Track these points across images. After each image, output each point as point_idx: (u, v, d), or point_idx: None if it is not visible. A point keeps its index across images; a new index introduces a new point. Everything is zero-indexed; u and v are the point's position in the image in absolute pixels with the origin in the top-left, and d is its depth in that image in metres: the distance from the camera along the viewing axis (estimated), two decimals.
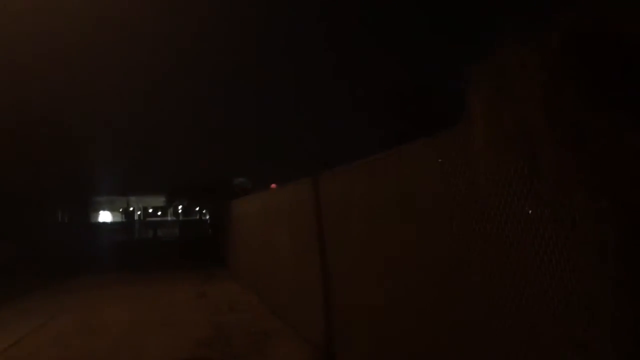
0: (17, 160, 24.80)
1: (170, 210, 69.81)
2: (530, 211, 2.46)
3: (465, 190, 3.11)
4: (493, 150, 2.69)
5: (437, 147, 3.46)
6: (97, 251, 32.14)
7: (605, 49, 1.98)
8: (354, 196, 5.26)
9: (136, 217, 69.90)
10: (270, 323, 8.49)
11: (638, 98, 1.90)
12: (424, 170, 3.66)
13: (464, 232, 3.13)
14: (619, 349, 1.97)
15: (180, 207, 63.83)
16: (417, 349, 3.82)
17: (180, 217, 64.81)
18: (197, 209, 59.16)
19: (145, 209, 74.82)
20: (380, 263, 4.56)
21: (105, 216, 67.53)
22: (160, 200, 63.65)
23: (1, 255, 24.48)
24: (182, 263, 20.82)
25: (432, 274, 3.56)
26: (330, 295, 6.15)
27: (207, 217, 45.60)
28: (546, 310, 2.37)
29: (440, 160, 3.42)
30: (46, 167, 28.62)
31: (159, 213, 73.67)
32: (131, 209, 71.29)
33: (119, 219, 68.71)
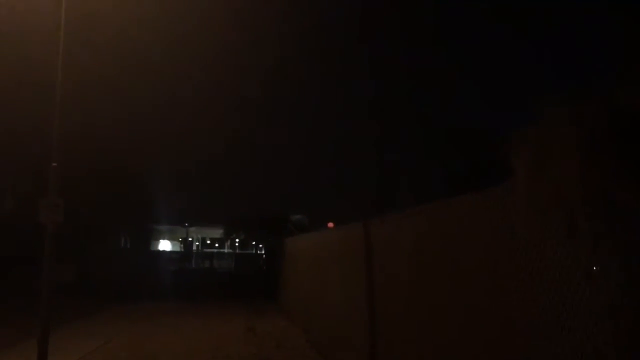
0: (85, 191, 26.16)
1: (227, 243, 71.09)
2: (564, 272, 2.54)
3: (507, 248, 3.19)
4: (533, 213, 2.78)
5: (482, 204, 3.56)
6: (154, 278, 33.04)
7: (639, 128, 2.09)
8: (402, 243, 5.37)
9: (194, 248, 71.59)
10: None
11: None
12: (469, 223, 3.76)
13: (503, 288, 3.20)
14: None
15: (237, 240, 64.90)
16: None
17: (237, 250, 65.82)
18: (254, 243, 60.07)
19: (203, 240, 76.60)
20: (425, 312, 4.63)
21: (165, 245, 69.52)
22: (218, 232, 65.01)
23: (66, 278, 25.70)
24: (235, 295, 21.15)
25: (472, 325, 3.61)
26: (376, 340, 6.20)
27: (263, 251, 46.12)
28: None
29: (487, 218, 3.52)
30: (112, 196, 29.99)
31: (216, 245, 75.16)
32: (190, 239, 73.15)
33: (177, 248, 70.59)
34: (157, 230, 55.38)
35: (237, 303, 17.86)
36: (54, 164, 6.35)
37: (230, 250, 68.03)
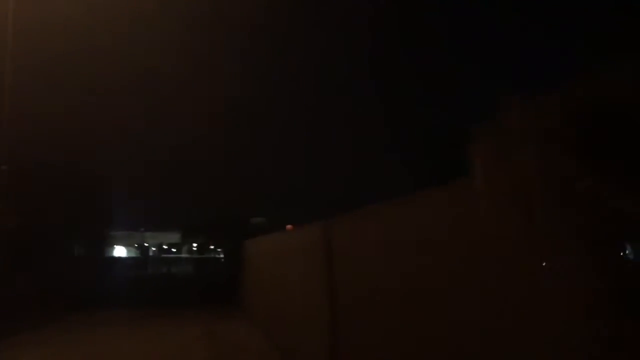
0: (34, 196, 25.30)
1: (185, 248, 70.05)
2: (525, 262, 2.57)
3: (468, 239, 3.23)
4: (493, 205, 2.82)
5: (445, 198, 3.60)
6: (110, 285, 32.26)
7: (600, 119, 2.14)
8: (365, 240, 5.38)
9: (151, 253, 70.23)
10: None
11: (627, 168, 2.04)
12: (434, 217, 3.79)
13: (464, 277, 3.24)
14: None
15: (194, 244, 64.05)
16: None
17: (195, 255, 64.95)
18: (212, 247, 59.36)
19: (160, 245, 75.23)
20: (386, 312, 4.65)
21: (120, 251, 67.98)
22: (175, 237, 64.00)
23: (15, 288, 24.74)
24: (195, 300, 20.84)
25: (430, 310, 3.65)
26: (337, 341, 6.19)
27: (222, 255, 45.62)
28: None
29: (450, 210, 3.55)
30: (63, 201, 29.08)
31: (174, 250, 73.96)
32: (146, 244, 71.75)
33: (133, 254, 69.11)
34: (113, 236, 54.01)
35: (198, 308, 17.60)
36: (4, 167, 6.10)
37: (188, 255, 67.05)
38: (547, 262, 2.48)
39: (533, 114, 2.48)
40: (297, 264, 8.24)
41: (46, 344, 10.87)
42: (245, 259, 15.12)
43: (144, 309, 17.89)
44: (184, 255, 69.39)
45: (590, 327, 2.18)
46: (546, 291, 2.46)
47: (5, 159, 6.13)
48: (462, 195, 3.29)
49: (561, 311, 2.35)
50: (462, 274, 3.29)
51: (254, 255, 13.49)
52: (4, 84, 6.27)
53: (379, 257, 4.91)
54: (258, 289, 12.29)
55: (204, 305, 18.17)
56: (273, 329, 10.21)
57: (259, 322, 11.93)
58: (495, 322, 2.87)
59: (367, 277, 5.25)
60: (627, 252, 2.19)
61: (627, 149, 2.14)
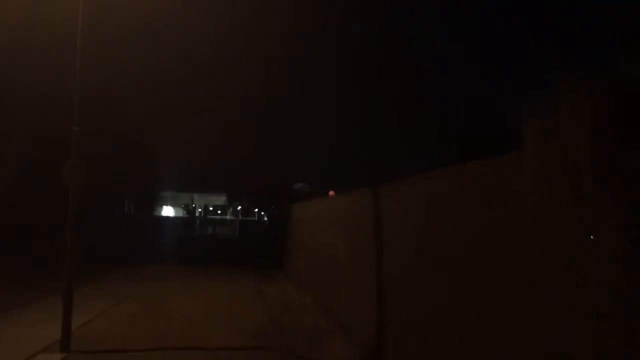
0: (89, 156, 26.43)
1: (230, 210, 71.71)
2: (565, 235, 2.78)
3: (514, 209, 3.43)
4: (543, 177, 3.01)
5: (495, 168, 3.79)
6: (160, 243, 33.53)
7: None
8: (413, 208, 5.62)
9: (197, 214, 72.27)
10: (322, 322, 8.90)
11: None
12: (480, 188, 3.99)
13: (505, 246, 3.45)
14: None
15: (239, 207, 65.50)
16: (462, 345, 4.14)
17: (240, 217, 66.47)
18: (256, 210, 60.58)
19: (206, 207, 77.24)
20: (432, 271, 4.91)
21: (168, 211, 70.20)
22: (221, 199, 65.54)
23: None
24: (241, 261, 21.47)
25: (475, 277, 3.88)
26: (382, 298, 6.51)
27: (266, 218, 46.48)
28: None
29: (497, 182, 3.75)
30: (116, 161, 30.25)
31: (219, 212, 75.84)
32: (193, 205, 73.78)
33: (181, 214, 71.27)
34: (161, 197, 55.81)
35: (244, 269, 18.24)
36: (76, 128, 6.57)
37: (233, 217, 68.69)
38: (591, 231, 2.68)
39: (583, 95, 2.65)
40: (345, 229, 8.54)
41: (123, 291, 11.82)
42: (292, 223, 15.53)
43: (199, 266, 18.71)
44: (228, 217, 71.11)
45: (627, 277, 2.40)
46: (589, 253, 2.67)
47: (77, 122, 6.59)
48: (513, 167, 3.48)
49: (600, 263, 2.56)
50: (510, 241, 3.49)
51: (301, 220, 13.88)
52: (76, 58, 6.71)
53: (427, 224, 5.15)
54: (304, 252, 12.71)
55: (250, 267, 18.82)
56: (318, 292, 10.62)
57: (304, 284, 12.37)
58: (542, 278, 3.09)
59: (415, 243, 5.51)
60: None
61: None
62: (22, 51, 19.69)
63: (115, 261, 18.80)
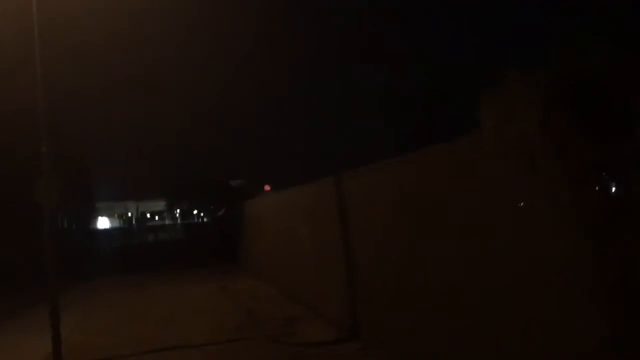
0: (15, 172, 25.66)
1: (168, 215, 70.61)
2: (524, 202, 3.45)
3: (475, 186, 4.08)
4: (500, 155, 3.65)
5: (455, 151, 4.43)
6: (104, 255, 32.83)
7: (584, 87, 2.97)
8: (377, 193, 6.22)
9: (134, 222, 70.65)
10: (293, 310, 9.37)
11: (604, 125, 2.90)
12: (444, 169, 4.63)
13: (471, 225, 4.11)
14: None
15: (178, 210, 64.61)
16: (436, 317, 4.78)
17: (179, 221, 65.59)
18: (195, 212, 60.07)
19: (143, 214, 75.57)
20: (401, 250, 5.53)
21: (103, 222, 68.20)
22: (158, 205, 64.42)
23: (6, 262, 25.35)
24: (190, 264, 21.23)
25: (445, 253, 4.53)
26: (353, 280, 7.10)
27: (206, 219, 46.26)
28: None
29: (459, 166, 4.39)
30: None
31: (156, 217, 74.48)
32: (129, 214, 72.03)
33: (117, 224, 69.42)
34: (96, 209, 54.26)
35: (198, 270, 18.33)
36: (44, 148, 6.71)
37: (172, 222, 67.70)
38: (546, 199, 3.34)
39: (532, 84, 3.30)
40: (310, 218, 9.03)
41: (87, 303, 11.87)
42: (247, 219, 15.80)
43: (150, 273, 18.59)
44: (168, 222, 70.00)
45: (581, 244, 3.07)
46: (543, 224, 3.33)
47: (45, 142, 6.77)
48: (472, 150, 4.12)
49: (557, 232, 3.22)
50: (472, 213, 4.14)
51: (258, 215, 14.23)
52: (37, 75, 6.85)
53: (391, 209, 5.76)
54: (264, 246, 13.11)
55: (203, 267, 18.96)
56: (282, 282, 11.09)
57: (265, 277, 12.79)
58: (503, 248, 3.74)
59: (380, 228, 6.11)
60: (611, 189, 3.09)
61: (603, 110, 2.99)
62: None
63: (64, 277, 18.41)
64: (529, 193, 3.46)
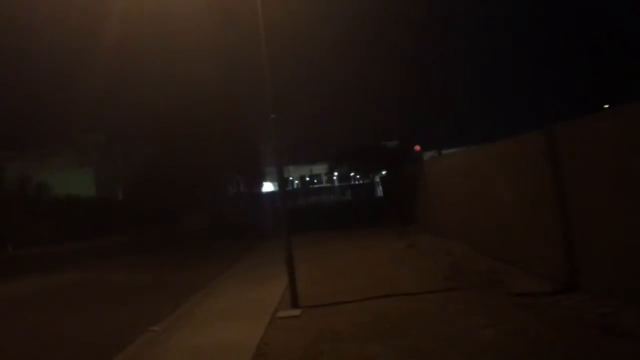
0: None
1: (324, 178, 73.39)
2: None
3: None
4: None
5: None
6: (276, 216, 35.08)
7: None
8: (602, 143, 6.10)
9: (295, 186, 74.65)
10: (492, 264, 9.41)
11: None
12: None
13: None
14: None
15: (335, 174, 66.82)
16: None
17: (336, 183, 67.97)
18: (352, 174, 61.55)
19: (302, 178, 79.55)
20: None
21: (268, 186, 72.84)
22: (316, 168, 67.11)
23: (200, 223, 28.59)
24: (360, 224, 21.33)
25: None
26: (570, 232, 7.02)
27: (377, 179, 47.21)
28: None
29: None
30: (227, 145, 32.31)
31: (315, 181, 77.89)
32: (290, 178, 76.23)
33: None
34: (263, 174, 58.02)
35: (373, 229, 18.72)
36: (273, 116, 7.56)
37: (329, 185, 70.37)
38: None
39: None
40: (508, 176, 8.98)
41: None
42: (427, 179, 15.90)
43: (329, 232, 19.57)
44: (324, 184, 72.91)
45: None
46: None
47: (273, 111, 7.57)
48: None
49: None
50: None
51: (439, 174, 14.34)
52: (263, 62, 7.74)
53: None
54: (448, 205, 13.25)
55: (376, 226, 19.39)
56: (475, 239, 11.15)
57: (452, 235, 12.90)
58: None
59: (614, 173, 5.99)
60: None
61: None
62: None
63: (249, 237, 20.52)
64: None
